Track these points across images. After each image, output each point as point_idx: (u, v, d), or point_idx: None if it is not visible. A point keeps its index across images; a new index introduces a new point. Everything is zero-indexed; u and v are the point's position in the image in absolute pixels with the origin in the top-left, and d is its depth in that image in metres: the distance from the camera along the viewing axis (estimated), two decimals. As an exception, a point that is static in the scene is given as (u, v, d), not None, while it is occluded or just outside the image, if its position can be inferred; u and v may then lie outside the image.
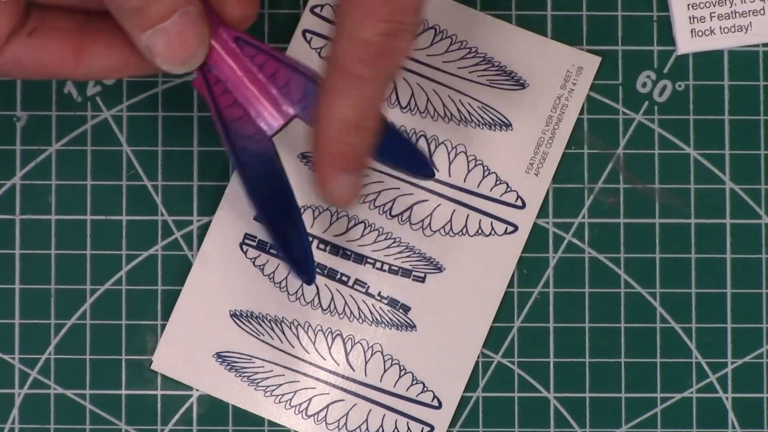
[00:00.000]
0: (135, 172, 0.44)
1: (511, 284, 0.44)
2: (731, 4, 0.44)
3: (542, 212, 0.44)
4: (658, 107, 0.44)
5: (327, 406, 0.43)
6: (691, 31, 0.44)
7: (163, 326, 0.44)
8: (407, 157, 0.39)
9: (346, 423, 0.43)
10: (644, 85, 0.44)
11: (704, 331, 0.44)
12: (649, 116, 0.44)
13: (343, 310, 0.44)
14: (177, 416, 0.44)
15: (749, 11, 0.44)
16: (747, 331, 0.44)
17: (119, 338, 0.44)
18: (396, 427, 0.43)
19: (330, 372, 0.43)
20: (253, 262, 0.44)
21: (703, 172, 0.44)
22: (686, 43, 0.44)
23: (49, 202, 0.44)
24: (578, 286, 0.44)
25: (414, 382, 0.43)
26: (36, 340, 0.44)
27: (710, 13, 0.44)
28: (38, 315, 0.44)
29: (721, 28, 0.44)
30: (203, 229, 0.44)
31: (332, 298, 0.44)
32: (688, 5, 0.44)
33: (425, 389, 0.43)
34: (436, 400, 0.43)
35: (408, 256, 0.44)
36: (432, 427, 0.43)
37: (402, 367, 0.43)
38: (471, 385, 0.44)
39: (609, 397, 0.44)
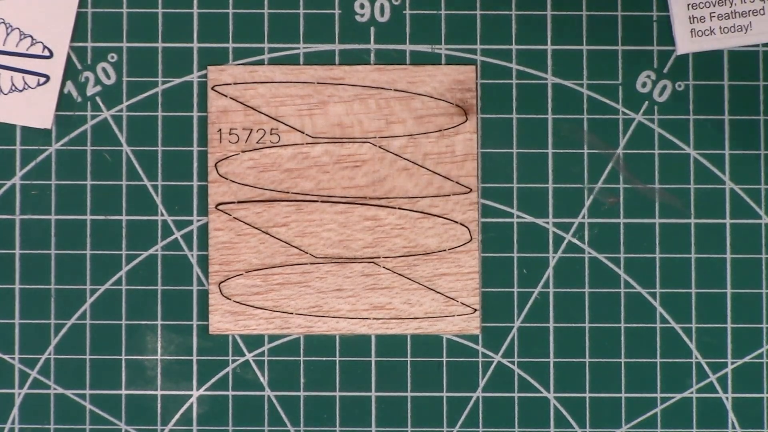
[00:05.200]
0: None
1: (511, 284, 0.44)
2: (731, 4, 0.44)
3: (542, 212, 0.44)
4: (658, 107, 0.44)
5: None
6: (691, 31, 0.44)
7: (163, 326, 0.44)
8: None
9: None
10: (644, 85, 0.44)
11: (704, 331, 0.44)
12: (649, 116, 0.44)
13: None
14: (177, 416, 0.44)
15: (749, 11, 0.44)
16: (747, 331, 0.44)
17: (119, 338, 0.44)
18: (12, 84, 0.42)
19: None
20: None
21: (703, 172, 0.44)
22: (686, 43, 0.44)
23: (49, 202, 0.44)
24: (578, 286, 0.44)
25: (22, 36, 0.42)
26: (36, 340, 0.44)
27: (710, 13, 0.44)
28: (38, 315, 0.44)
29: (721, 28, 0.44)
30: (203, 230, 0.44)
31: None
32: (688, 5, 0.44)
33: (34, 41, 0.42)
34: (47, 50, 0.42)
35: None
36: (47, 77, 0.42)
37: (8, 25, 0.42)
38: (471, 384, 0.44)
39: (609, 397, 0.44)
